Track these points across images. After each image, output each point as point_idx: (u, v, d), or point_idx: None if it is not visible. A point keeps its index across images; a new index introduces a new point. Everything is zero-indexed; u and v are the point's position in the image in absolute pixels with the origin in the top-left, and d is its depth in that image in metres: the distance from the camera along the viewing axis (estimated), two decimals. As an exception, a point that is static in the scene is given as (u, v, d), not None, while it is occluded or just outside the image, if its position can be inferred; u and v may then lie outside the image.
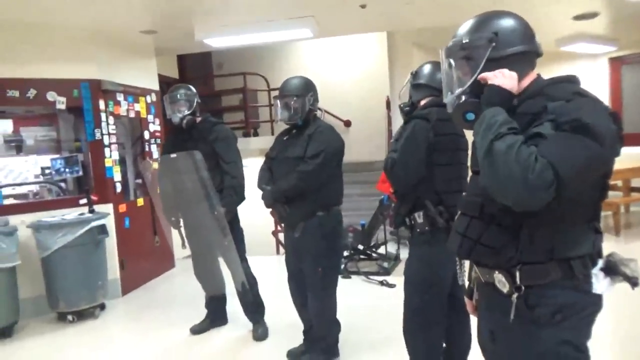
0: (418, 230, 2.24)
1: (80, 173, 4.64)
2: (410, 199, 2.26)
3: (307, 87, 2.86)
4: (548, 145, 1.18)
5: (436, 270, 2.28)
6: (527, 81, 1.39)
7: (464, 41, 1.40)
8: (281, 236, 6.19)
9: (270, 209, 2.98)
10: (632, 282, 1.30)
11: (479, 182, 1.28)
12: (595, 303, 1.33)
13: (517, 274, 1.32)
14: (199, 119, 3.40)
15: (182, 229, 3.44)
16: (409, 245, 2.42)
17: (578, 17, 5.30)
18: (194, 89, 3.47)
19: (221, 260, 3.43)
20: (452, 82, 1.43)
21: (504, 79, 1.32)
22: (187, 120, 3.34)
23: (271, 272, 5.18)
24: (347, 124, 7.81)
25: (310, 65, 7.70)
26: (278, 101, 2.88)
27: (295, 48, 7.97)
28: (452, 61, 1.43)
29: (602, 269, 1.32)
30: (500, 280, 1.37)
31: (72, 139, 4.86)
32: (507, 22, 1.39)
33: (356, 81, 7.78)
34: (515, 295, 1.33)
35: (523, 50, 1.37)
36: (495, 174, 1.20)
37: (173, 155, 3.25)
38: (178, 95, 3.38)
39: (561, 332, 1.30)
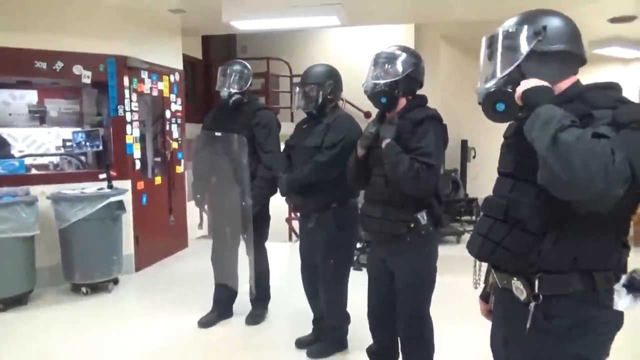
0: (422, 232, 2.19)
1: (101, 148, 4.68)
2: (412, 202, 2.18)
3: (327, 76, 2.81)
4: (617, 142, 1.11)
5: (435, 270, 2.33)
6: (565, 84, 1.34)
7: (510, 30, 1.35)
8: (295, 224, 6.21)
9: (285, 197, 2.97)
10: None
11: (538, 178, 1.18)
12: (615, 320, 1.29)
13: (536, 282, 1.30)
14: (246, 100, 3.31)
15: (205, 209, 3.43)
16: (402, 249, 2.23)
17: (614, 20, 5.16)
18: (250, 69, 3.37)
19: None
20: (488, 72, 1.37)
21: (535, 80, 1.26)
22: (235, 99, 3.24)
23: (283, 259, 5.22)
24: (367, 115, 7.72)
25: (333, 53, 7.61)
26: (297, 88, 2.86)
27: (319, 35, 7.89)
28: (492, 50, 1.37)
29: (624, 286, 1.28)
30: (517, 287, 1.34)
31: (94, 113, 4.92)
32: (557, 20, 1.35)
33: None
34: (532, 304, 1.30)
35: (568, 50, 1.33)
36: (566, 166, 1.09)
37: (217, 134, 3.17)
38: (232, 71, 3.27)
39: (578, 346, 1.27)
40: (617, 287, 1.28)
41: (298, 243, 4.97)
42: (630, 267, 1.31)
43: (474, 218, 7.08)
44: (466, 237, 6.05)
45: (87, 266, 4.05)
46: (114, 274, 4.24)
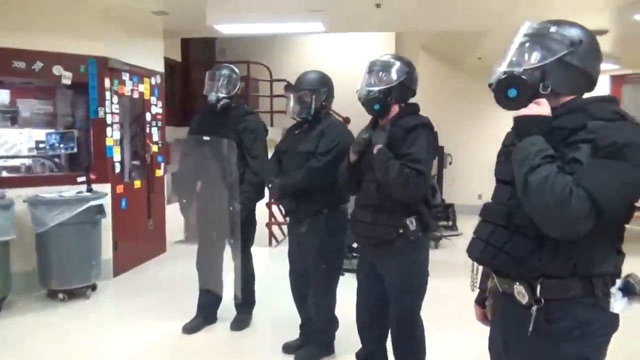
0: (411, 237, 2.22)
1: (75, 150, 4.56)
2: (401, 207, 2.22)
3: (321, 82, 2.83)
4: (585, 173, 1.20)
5: (427, 274, 2.36)
6: (568, 98, 1.39)
7: (550, 29, 1.37)
8: (274, 229, 6.18)
9: (267, 201, 2.97)
10: None
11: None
12: (612, 322, 1.35)
13: (538, 286, 1.34)
14: (234, 105, 3.28)
15: (190, 214, 3.38)
16: (391, 254, 2.27)
17: (586, 34, 5.34)
18: (238, 73, 3.35)
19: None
20: (511, 58, 1.38)
21: (540, 107, 1.31)
22: (223, 103, 3.21)
23: (263, 263, 5.18)
24: (347, 121, 7.77)
25: (313, 58, 7.64)
26: (291, 94, 2.85)
27: (300, 40, 7.92)
28: (523, 40, 1.38)
29: (620, 289, 1.34)
30: (520, 292, 1.38)
31: (69, 115, 4.78)
32: (593, 41, 1.38)
33: (359, 79, 7.75)
34: (534, 308, 1.34)
35: (589, 73, 1.37)
36: (534, 208, 1.24)
37: (206, 138, 3.13)
38: (220, 75, 3.25)
39: (579, 348, 1.32)
40: (614, 290, 1.33)
41: (278, 248, 4.96)
42: (624, 271, 1.38)
43: (450, 223, 7.21)
44: (444, 242, 6.16)
45: (65, 272, 3.93)
46: (92, 280, 4.13)
